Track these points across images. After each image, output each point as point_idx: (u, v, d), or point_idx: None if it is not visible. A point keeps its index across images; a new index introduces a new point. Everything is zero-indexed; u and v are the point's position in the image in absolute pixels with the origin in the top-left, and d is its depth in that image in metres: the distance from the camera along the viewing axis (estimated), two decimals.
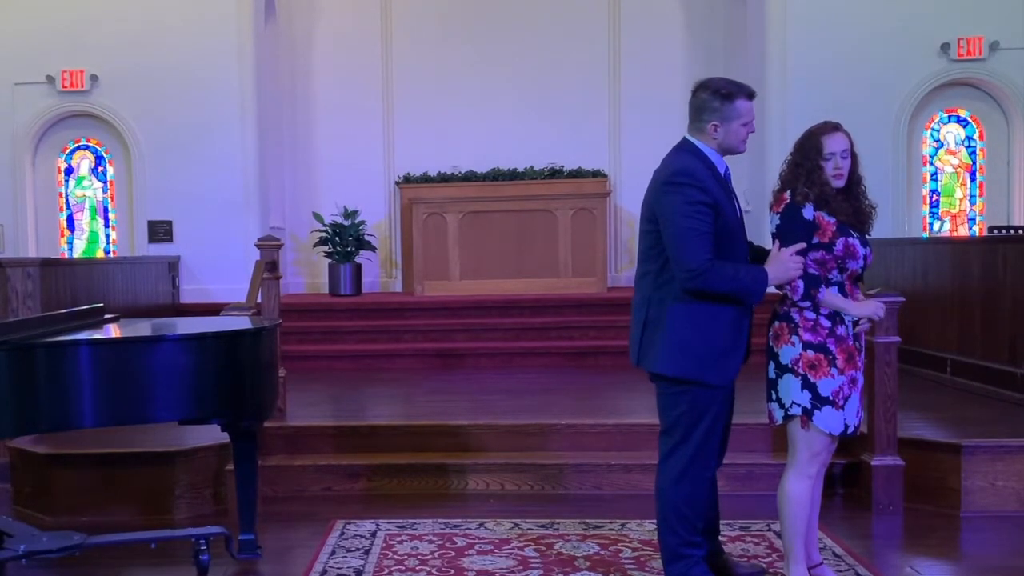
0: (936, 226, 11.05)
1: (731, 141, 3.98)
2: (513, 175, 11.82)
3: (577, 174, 11.86)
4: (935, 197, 11.07)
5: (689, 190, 3.84)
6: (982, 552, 5.06)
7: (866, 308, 3.92)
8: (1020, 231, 9.36)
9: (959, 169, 11.03)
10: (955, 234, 10.92)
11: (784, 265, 3.86)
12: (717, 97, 3.94)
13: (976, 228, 10.96)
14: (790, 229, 3.91)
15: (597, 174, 11.91)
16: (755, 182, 10.53)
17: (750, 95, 3.99)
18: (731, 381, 4.05)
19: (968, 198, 11.05)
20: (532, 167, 11.72)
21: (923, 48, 10.45)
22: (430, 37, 12.33)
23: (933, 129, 10.99)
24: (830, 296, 3.89)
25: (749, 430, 6.11)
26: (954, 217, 11.06)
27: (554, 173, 11.82)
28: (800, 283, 3.88)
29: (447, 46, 12.27)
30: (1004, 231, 9.42)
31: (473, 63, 12.15)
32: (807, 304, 3.91)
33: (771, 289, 3.91)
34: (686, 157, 3.97)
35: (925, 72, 10.51)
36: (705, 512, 4.22)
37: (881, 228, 9.28)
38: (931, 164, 11.03)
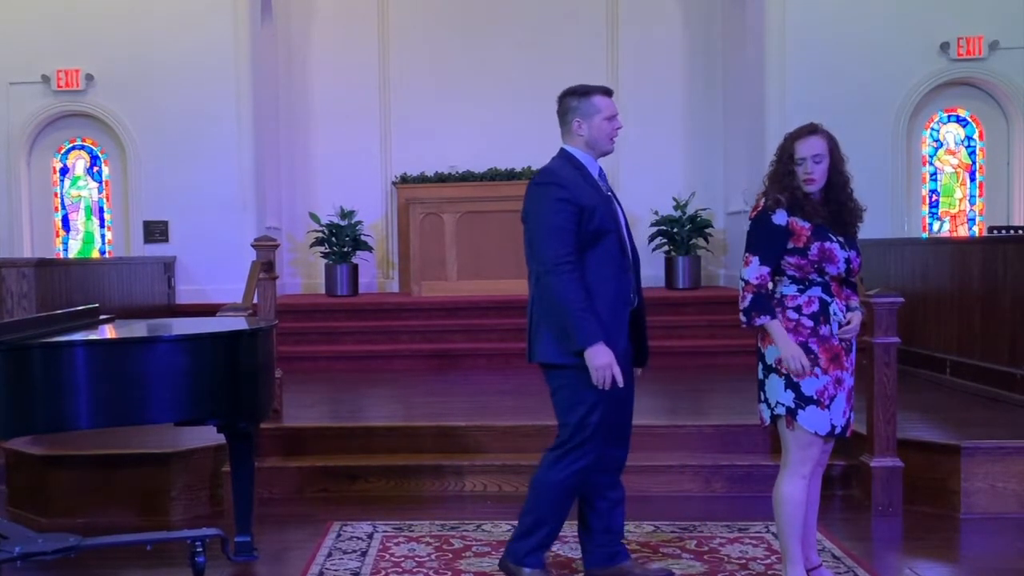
0: (936, 226, 11.03)
1: (597, 137, 4.16)
2: (510, 175, 11.78)
3: None
4: (935, 197, 11.05)
5: (551, 188, 4.05)
6: (982, 554, 5.05)
7: (787, 351, 3.87)
8: (1020, 231, 9.34)
9: (959, 169, 11.01)
10: (955, 234, 10.91)
11: (789, 352, 3.88)
12: (575, 97, 4.19)
13: (976, 228, 10.95)
14: (754, 234, 3.96)
15: None
16: (754, 183, 10.48)
17: (606, 92, 4.21)
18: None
19: (968, 198, 11.03)
20: (530, 167, 11.66)
21: (923, 47, 10.43)
22: (427, 36, 12.31)
23: (933, 129, 10.96)
24: (771, 326, 3.90)
25: (747, 431, 6.11)
26: (954, 217, 11.04)
27: None
28: (748, 295, 3.91)
29: (444, 45, 12.25)
30: (1004, 231, 9.41)
31: (470, 62, 12.13)
32: (792, 304, 3.91)
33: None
34: (555, 162, 4.21)
35: (924, 71, 10.49)
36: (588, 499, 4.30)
37: (880, 228, 9.33)
38: (931, 164, 11.01)
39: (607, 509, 4.29)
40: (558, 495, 4.15)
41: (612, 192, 4.26)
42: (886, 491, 5.51)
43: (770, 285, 3.94)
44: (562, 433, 4.14)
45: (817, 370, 3.88)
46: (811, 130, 3.97)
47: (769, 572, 4.57)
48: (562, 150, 4.25)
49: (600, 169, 4.23)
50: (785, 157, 3.96)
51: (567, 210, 3.98)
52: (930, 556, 4.96)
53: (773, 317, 3.90)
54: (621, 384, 3.98)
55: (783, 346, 3.88)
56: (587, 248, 4.01)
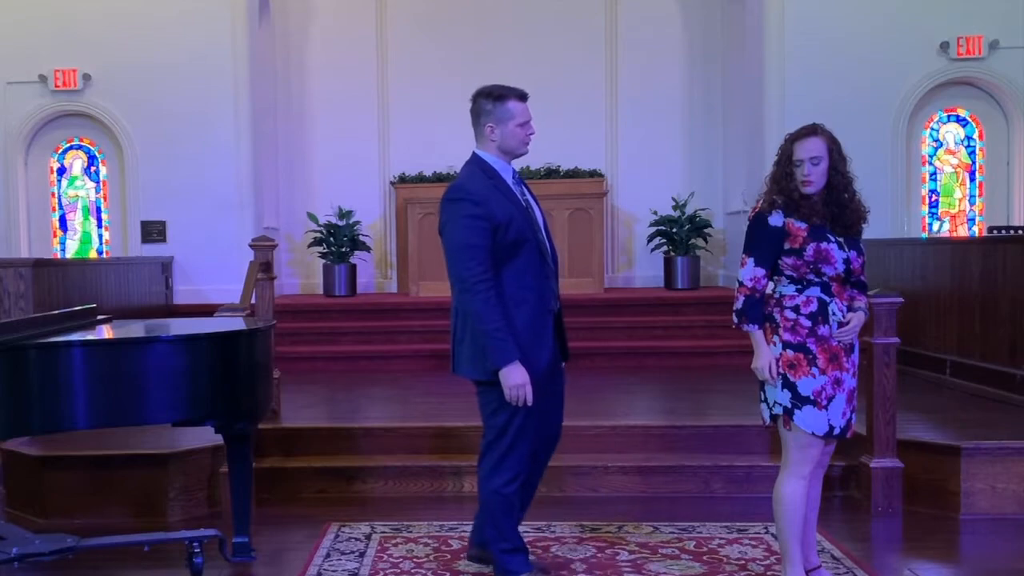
0: (935, 226, 11.01)
1: (510, 142, 4.16)
2: None
3: (574, 174, 11.82)
4: (934, 197, 11.03)
5: (464, 205, 4.03)
6: (982, 555, 5.04)
7: (758, 360, 3.93)
8: (1020, 231, 9.33)
9: (958, 169, 11.00)
10: (954, 234, 10.90)
11: (759, 363, 3.94)
12: (489, 100, 4.16)
13: (976, 228, 10.93)
14: (750, 235, 3.99)
15: (594, 174, 11.87)
16: (754, 184, 10.48)
17: (521, 96, 4.20)
18: (532, 379, 4.06)
19: (967, 198, 11.02)
20: (528, 167, 11.64)
21: (922, 47, 10.41)
22: (425, 36, 12.29)
23: (932, 129, 10.95)
24: (754, 335, 3.94)
25: (746, 432, 6.11)
26: (953, 217, 11.03)
27: (550, 173, 11.78)
28: (741, 297, 3.94)
29: (442, 45, 12.22)
30: (1004, 231, 9.40)
31: (469, 62, 12.09)
32: (790, 304, 3.91)
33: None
34: (467, 171, 4.18)
35: (924, 71, 10.48)
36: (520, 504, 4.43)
37: (880, 228, 9.32)
38: (930, 164, 11.00)
39: (520, 489, 4.37)
40: (501, 504, 4.25)
41: (530, 195, 4.28)
42: (886, 492, 5.50)
43: (769, 287, 3.95)
44: (489, 440, 4.23)
45: (815, 370, 3.88)
46: (810, 131, 3.97)
47: (768, 573, 4.56)
48: (474, 155, 4.23)
49: (515, 173, 4.24)
50: (784, 159, 3.97)
51: (480, 226, 4.00)
52: (930, 557, 4.95)
53: (760, 326, 3.94)
54: (531, 403, 4.04)
55: (758, 355, 3.93)
56: (506, 259, 4.05)
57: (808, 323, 3.89)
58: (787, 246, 3.90)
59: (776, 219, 3.91)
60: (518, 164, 12.14)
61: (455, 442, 6.25)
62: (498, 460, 4.18)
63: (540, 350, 4.12)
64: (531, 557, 4.49)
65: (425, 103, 12.12)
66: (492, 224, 4.00)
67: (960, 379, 7.49)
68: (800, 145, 3.93)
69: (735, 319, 3.97)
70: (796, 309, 3.90)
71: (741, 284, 3.95)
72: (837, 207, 3.94)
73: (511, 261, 4.05)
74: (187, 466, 5.77)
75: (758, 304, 3.93)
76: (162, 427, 4.93)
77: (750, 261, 3.94)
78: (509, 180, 4.18)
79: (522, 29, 12.24)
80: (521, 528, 5.14)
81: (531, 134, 4.22)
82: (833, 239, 3.89)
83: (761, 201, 4.01)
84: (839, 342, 3.92)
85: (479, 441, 6.17)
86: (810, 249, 3.86)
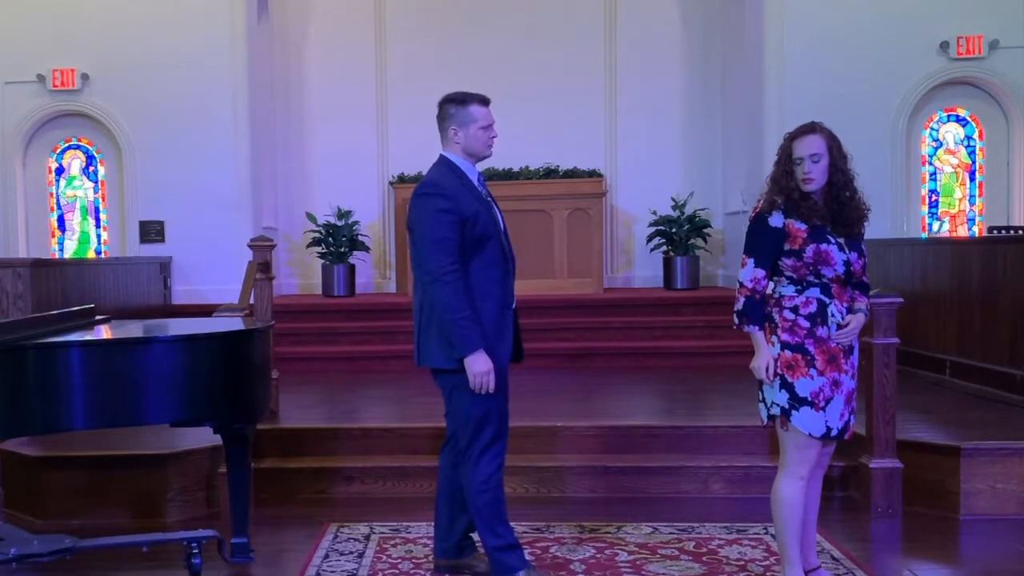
0: (935, 226, 11.00)
1: (473, 145, 4.31)
2: (508, 175, 11.73)
3: (573, 174, 11.79)
4: (934, 197, 11.02)
5: (434, 199, 4.17)
6: (982, 556, 5.04)
7: (758, 359, 3.93)
8: (1020, 231, 9.33)
9: (958, 169, 10.99)
10: (954, 234, 10.88)
11: (758, 362, 3.95)
12: (453, 105, 4.36)
13: (976, 228, 10.92)
14: (750, 236, 3.99)
15: (593, 174, 11.84)
16: (754, 183, 10.48)
17: (483, 101, 4.36)
18: (499, 370, 4.19)
19: (967, 198, 11.01)
20: (527, 167, 11.65)
21: (922, 46, 10.40)
22: (424, 35, 12.27)
23: (932, 128, 10.94)
24: (755, 335, 3.94)
25: (745, 432, 6.10)
26: (953, 217, 11.02)
27: (549, 173, 11.75)
28: (742, 298, 3.94)
29: (441, 44, 12.21)
30: (1004, 231, 9.39)
31: (467, 62, 12.07)
32: (789, 304, 3.90)
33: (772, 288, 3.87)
34: (436, 170, 4.33)
35: (924, 71, 10.47)
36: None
37: (880, 228, 9.31)
38: (930, 164, 10.99)
39: (463, 499, 4.43)
40: (490, 500, 4.29)
41: (491, 197, 4.40)
42: (885, 492, 5.49)
43: (769, 287, 3.94)
44: (468, 437, 4.28)
45: (812, 371, 3.87)
46: (809, 129, 3.96)
47: (768, 574, 4.55)
48: (442, 157, 4.37)
49: (479, 174, 4.37)
50: (784, 158, 3.96)
51: (450, 220, 4.12)
52: (929, 558, 4.94)
53: (761, 327, 3.93)
54: (492, 391, 4.15)
55: (757, 355, 3.93)
56: (472, 254, 4.18)
57: (807, 324, 3.88)
58: (787, 247, 3.89)
59: (776, 220, 3.90)
60: (517, 163, 12.17)
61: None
62: (481, 452, 4.26)
63: (503, 344, 4.26)
64: (529, 558, 4.49)
65: (424, 102, 11.89)
66: (461, 218, 4.14)
67: (960, 379, 7.48)
68: (799, 143, 3.92)
69: (736, 320, 3.97)
70: (795, 310, 3.89)
71: (741, 285, 3.95)
72: (837, 205, 3.92)
73: (477, 256, 4.18)
74: (185, 467, 5.76)
75: (758, 305, 3.93)
76: (160, 428, 4.91)
77: (750, 262, 3.94)
78: (474, 180, 4.33)
79: (521, 28, 12.23)
80: (520, 529, 5.15)
81: (494, 136, 4.37)
82: (834, 240, 3.88)
83: (761, 202, 4.00)
84: (838, 343, 3.91)
85: None
86: (810, 250, 3.85)
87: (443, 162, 4.35)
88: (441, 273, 4.10)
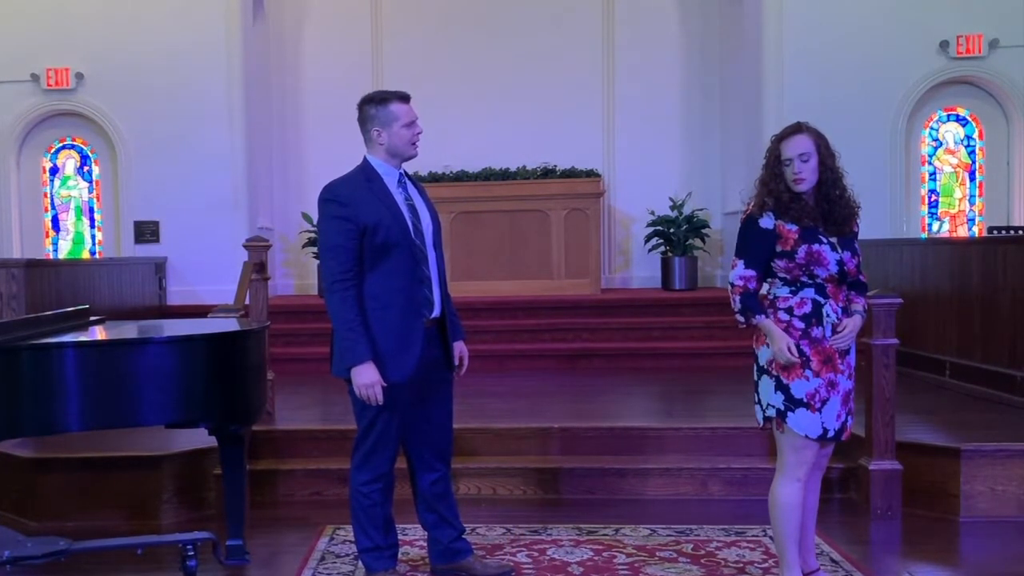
0: (935, 226, 10.99)
1: (397, 144, 4.20)
2: (505, 175, 11.70)
3: (570, 174, 11.75)
4: (934, 197, 11.01)
5: (331, 205, 4.13)
6: (981, 557, 5.02)
7: (776, 344, 3.86)
8: (1020, 231, 9.31)
9: (958, 169, 10.98)
10: (954, 235, 10.87)
11: (777, 345, 3.87)
12: (372, 105, 4.22)
13: (975, 228, 10.91)
14: (741, 238, 3.97)
15: (590, 174, 11.81)
16: (752, 183, 10.44)
17: (403, 98, 4.27)
18: (398, 382, 4.14)
19: (967, 198, 11.00)
20: (524, 167, 11.62)
21: (922, 46, 10.39)
22: (421, 36, 12.26)
23: (932, 128, 10.93)
24: (764, 324, 3.89)
25: (744, 434, 6.08)
26: (953, 217, 11.00)
27: (547, 173, 11.72)
28: (736, 296, 3.91)
29: (438, 44, 12.20)
30: (1004, 231, 9.37)
31: (464, 62, 12.08)
32: (784, 305, 3.89)
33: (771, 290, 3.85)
34: (348, 173, 4.26)
35: (924, 70, 10.46)
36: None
37: (879, 228, 9.30)
38: (930, 164, 10.98)
39: (435, 500, 4.42)
40: (363, 503, 4.27)
41: (422, 199, 4.31)
42: (885, 494, 5.47)
43: (764, 289, 3.96)
44: (356, 438, 4.29)
45: (808, 372, 3.85)
46: (795, 129, 3.96)
47: None
48: (364, 159, 4.29)
49: (402, 175, 4.27)
50: (772, 159, 3.95)
51: (345, 228, 4.06)
52: (929, 560, 4.92)
53: (766, 315, 3.90)
54: (379, 403, 4.07)
55: (773, 340, 3.86)
56: (375, 262, 4.11)
57: (801, 325, 3.86)
58: (779, 248, 3.88)
59: (767, 222, 3.89)
60: (514, 163, 12.14)
61: None
62: (362, 459, 4.24)
63: (406, 355, 4.14)
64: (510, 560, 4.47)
65: (421, 102, 11.92)
66: (359, 226, 4.06)
67: (960, 380, 7.45)
68: (787, 144, 3.91)
69: (740, 318, 3.93)
70: (790, 311, 3.87)
71: (732, 285, 3.93)
72: (828, 203, 3.91)
73: (379, 264, 4.10)
74: (181, 468, 5.74)
75: (754, 296, 3.91)
76: (155, 429, 4.88)
77: (740, 263, 3.93)
78: (392, 184, 4.21)
79: (518, 29, 12.21)
80: (518, 529, 5.12)
81: (418, 133, 4.29)
82: (825, 240, 3.87)
83: (751, 204, 3.98)
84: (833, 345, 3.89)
85: (474, 443, 6.19)
86: (801, 251, 3.84)
87: (361, 165, 4.27)
88: (331, 281, 4.09)
